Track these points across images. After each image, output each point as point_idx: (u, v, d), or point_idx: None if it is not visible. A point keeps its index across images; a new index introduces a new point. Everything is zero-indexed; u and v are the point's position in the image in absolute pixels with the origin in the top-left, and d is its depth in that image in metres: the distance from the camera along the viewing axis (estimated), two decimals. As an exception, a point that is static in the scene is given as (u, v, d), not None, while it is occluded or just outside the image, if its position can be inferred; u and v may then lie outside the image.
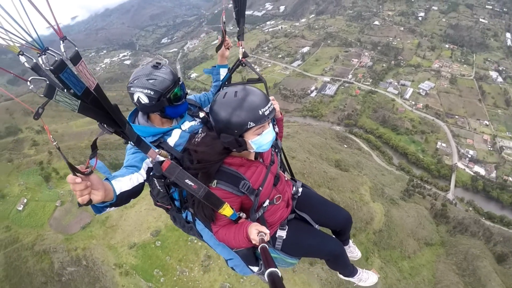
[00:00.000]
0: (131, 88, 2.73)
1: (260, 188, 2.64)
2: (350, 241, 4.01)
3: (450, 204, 69.75)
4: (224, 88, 3.04)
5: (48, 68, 1.35)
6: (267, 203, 2.79)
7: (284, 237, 3.01)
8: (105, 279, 34.44)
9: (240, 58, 3.56)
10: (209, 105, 3.34)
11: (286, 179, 3.32)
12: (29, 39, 1.35)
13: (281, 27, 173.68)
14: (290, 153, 60.55)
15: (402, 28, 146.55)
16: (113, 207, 2.21)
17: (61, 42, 1.39)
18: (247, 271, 3.27)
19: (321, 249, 3.17)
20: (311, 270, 33.47)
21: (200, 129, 2.80)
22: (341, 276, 3.79)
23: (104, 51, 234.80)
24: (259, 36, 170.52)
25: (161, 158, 2.16)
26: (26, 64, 1.42)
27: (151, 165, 2.57)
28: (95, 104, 1.60)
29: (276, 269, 1.58)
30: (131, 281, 32.80)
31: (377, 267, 42.32)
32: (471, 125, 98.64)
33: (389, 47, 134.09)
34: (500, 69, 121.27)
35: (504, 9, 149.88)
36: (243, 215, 2.64)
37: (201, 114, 3.21)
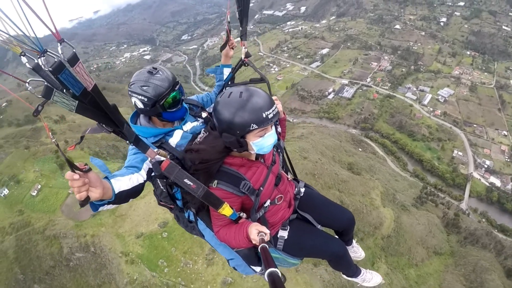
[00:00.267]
0: (129, 92, 2.75)
1: (261, 188, 2.63)
2: (354, 241, 3.98)
3: (463, 214, 68.44)
4: (228, 88, 2.97)
5: (47, 69, 1.38)
6: (268, 203, 2.78)
7: (286, 237, 3.01)
8: (111, 266, 35.30)
9: (243, 58, 3.54)
10: (212, 105, 3.51)
11: (288, 179, 3.31)
12: (28, 41, 1.38)
13: (301, 28, 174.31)
14: (302, 153, 60.43)
15: (423, 33, 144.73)
16: (111, 205, 2.21)
17: (59, 44, 1.42)
18: (249, 271, 3.26)
19: (323, 250, 3.15)
20: (314, 271, 33.34)
21: (203, 129, 2.79)
22: (344, 276, 3.75)
23: (125, 46, 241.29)
24: (279, 36, 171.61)
25: (161, 158, 2.18)
26: (27, 64, 1.38)
27: (151, 166, 2.48)
28: (93, 104, 1.63)
29: (276, 269, 1.58)
30: (136, 269, 33.52)
31: (383, 273, 41.80)
32: (489, 135, 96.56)
33: (409, 52, 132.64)
34: None
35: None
36: (244, 215, 2.64)
37: (204, 114, 3.21)
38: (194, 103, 3.33)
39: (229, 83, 3.70)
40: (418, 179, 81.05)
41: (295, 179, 3.56)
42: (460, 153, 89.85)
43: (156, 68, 2.71)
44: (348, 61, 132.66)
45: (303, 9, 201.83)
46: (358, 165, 69.74)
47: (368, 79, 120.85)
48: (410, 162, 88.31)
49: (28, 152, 61.29)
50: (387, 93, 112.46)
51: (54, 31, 1.37)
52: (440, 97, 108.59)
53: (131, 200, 2.43)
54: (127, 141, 1.97)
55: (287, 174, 3.46)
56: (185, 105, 3.02)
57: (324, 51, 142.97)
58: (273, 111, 2.28)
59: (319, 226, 3.18)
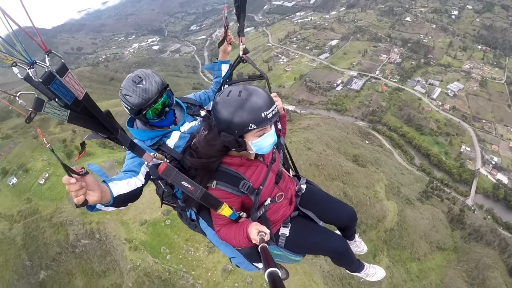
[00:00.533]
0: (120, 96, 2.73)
1: (261, 187, 2.61)
2: (356, 235, 3.97)
3: (468, 210, 68.03)
4: (228, 86, 2.98)
5: (37, 80, 1.39)
6: (268, 201, 2.77)
7: (287, 234, 3.00)
8: (115, 252, 36.10)
9: (241, 55, 3.45)
10: (211, 103, 3.54)
11: (289, 176, 3.30)
12: (16, 53, 1.36)
13: (311, 19, 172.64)
14: (306, 144, 60.36)
15: (434, 26, 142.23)
16: (110, 208, 2.21)
17: (46, 55, 1.41)
18: (252, 268, 3.27)
19: (324, 247, 3.14)
20: (314, 261, 33.58)
21: (202, 128, 2.67)
22: (347, 271, 3.77)
23: (133, 36, 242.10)
24: (288, 26, 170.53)
25: (158, 161, 2.21)
26: (19, 75, 1.39)
27: (149, 170, 2.59)
28: (85, 112, 1.64)
29: (276, 269, 1.56)
30: (139, 256, 34.22)
31: (384, 266, 41.81)
32: (498, 131, 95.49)
33: (419, 45, 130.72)
34: None
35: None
36: (244, 214, 2.62)
37: (202, 113, 3.20)
38: (192, 102, 3.32)
39: (227, 80, 3.65)
40: (424, 174, 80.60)
41: (297, 175, 3.55)
42: (468, 149, 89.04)
43: (140, 77, 2.63)
44: (357, 53, 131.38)
45: (312, 0, 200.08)
46: (363, 157, 69.47)
47: (377, 72, 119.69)
48: (417, 156, 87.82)
49: (37, 142, 62.09)
50: (396, 86, 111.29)
51: (40, 43, 1.36)
52: (449, 91, 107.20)
53: (129, 204, 2.45)
54: (123, 147, 2.00)
55: (289, 171, 3.45)
56: (172, 111, 2.91)
57: (333, 42, 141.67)
58: (272, 111, 2.24)
59: (321, 223, 3.19)
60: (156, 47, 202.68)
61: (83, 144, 1.94)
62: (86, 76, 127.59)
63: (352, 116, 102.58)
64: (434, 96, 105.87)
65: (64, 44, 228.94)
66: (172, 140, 2.83)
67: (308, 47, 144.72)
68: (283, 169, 3.13)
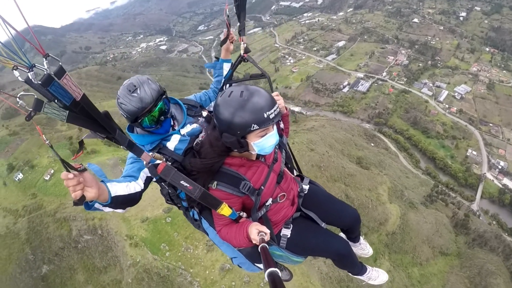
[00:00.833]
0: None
1: (262, 188, 2.61)
2: (361, 237, 3.93)
3: (473, 215, 67.29)
4: (229, 86, 2.99)
5: (37, 83, 1.44)
6: (270, 201, 2.76)
7: (289, 235, 2.98)
8: (116, 249, 36.54)
9: (242, 54, 3.47)
10: (212, 103, 3.53)
11: (292, 176, 3.27)
12: (16, 57, 1.42)
13: (318, 20, 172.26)
14: (309, 145, 60.17)
15: (441, 28, 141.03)
16: (107, 208, 2.22)
17: (44, 59, 1.45)
18: (254, 269, 3.28)
19: (326, 249, 3.11)
20: (313, 263, 33.55)
21: (204, 128, 2.79)
22: (350, 274, 3.70)
23: (141, 36, 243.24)
24: (295, 27, 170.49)
25: (157, 161, 2.21)
26: (20, 78, 1.45)
27: (149, 175, 2.63)
28: (83, 113, 1.69)
29: (276, 269, 1.58)
30: (139, 252, 34.59)
31: (385, 270, 40.11)
32: (505, 135, 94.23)
33: (427, 47, 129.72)
34: None
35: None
36: (244, 214, 2.64)
37: (204, 113, 3.16)
38: (192, 104, 3.28)
39: (229, 79, 3.68)
40: (430, 177, 79.72)
41: (300, 175, 3.51)
42: (474, 153, 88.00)
43: (135, 86, 2.59)
44: (364, 54, 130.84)
45: (320, 0, 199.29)
46: (367, 160, 69.05)
47: (384, 73, 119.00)
48: (423, 160, 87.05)
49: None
50: (402, 88, 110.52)
51: (38, 47, 1.42)
52: (456, 93, 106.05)
53: (128, 208, 2.47)
54: (121, 146, 2.01)
55: (292, 171, 3.42)
56: (169, 119, 2.88)
57: (341, 43, 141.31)
58: (274, 111, 2.23)
59: (323, 225, 3.17)
60: (163, 47, 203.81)
61: (81, 143, 1.97)
62: (94, 75, 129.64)
63: (358, 118, 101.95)
64: (441, 99, 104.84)
65: (73, 43, 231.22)
66: (172, 143, 2.81)
67: (315, 48, 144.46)
68: (286, 169, 3.13)
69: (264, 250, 2.01)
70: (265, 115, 2.16)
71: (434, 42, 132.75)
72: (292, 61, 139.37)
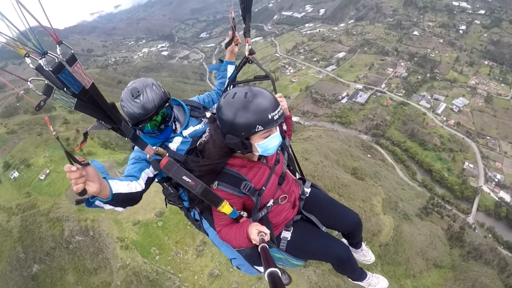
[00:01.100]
0: None
1: (263, 188, 2.61)
2: (363, 244, 3.89)
3: (469, 228, 67.06)
4: (233, 88, 2.92)
5: (48, 69, 1.47)
6: (271, 203, 2.76)
7: (289, 238, 2.97)
8: (107, 250, 36.59)
9: (247, 55, 3.47)
10: (215, 105, 3.51)
11: (294, 178, 3.28)
12: (30, 44, 1.46)
13: (319, 30, 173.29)
14: (304, 154, 60.17)
15: (441, 40, 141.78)
16: (108, 206, 2.21)
17: (58, 46, 1.49)
18: (253, 271, 3.25)
19: (326, 253, 3.08)
20: (302, 272, 33.46)
21: (207, 129, 2.72)
22: (350, 280, 3.66)
23: (143, 41, 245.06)
24: (296, 37, 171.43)
25: (158, 157, 2.25)
26: (31, 65, 1.47)
27: (151, 175, 2.64)
28: (91, 102, 1.73)
29: (276, 269, 1.59)
30: (129, 255, 34.64)
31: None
32: (502, 148, 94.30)
33: (426, 59, 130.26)
34: None
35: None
36: (244, 213, 2.65)
37: (208, 114, 3.17)
38: (195, 105, 3.29)
39: (233, 80, 3.69)
40: (426, 189, 79.54)
41: (302, 178, 3.52)
42: (471, 165, 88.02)
43: (138, 91, 2.60)
44: (363, 65, 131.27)
45: (322, 11, 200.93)
46: (362, 171, 68.91)
47: (383, 85, 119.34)
48: (419, 172, 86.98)
49: (40, 139, 63.51)
50: (401, 100, 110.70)
51: (52, 34, 1.44)
52: (454, 106, 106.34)
53: (128, 208, 2.45)
54: (126, 138, 2.07)
55: (294, 173, 3.43)
56: (170, 127, 2.90)
57: (341, 54, 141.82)
58: (278, 112, 2.24)
59: (323, 228, 3.15)
60: (165, 53, 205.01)
61: (85, 134, 1.99)
62: (95, 78, 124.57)
63: (356, 129, 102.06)
64: (439, 111, 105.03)
65: (75, 45, 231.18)
66: (175, 144, 2.84)
67: (315, 59, 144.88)
68: (287, 171, 3.12)
69: (264, 250, 2.02)
70: (269, 116, 2.18)
71: (433, 55, 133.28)
72: (292, 71, 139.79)
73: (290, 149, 3.24)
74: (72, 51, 1.53)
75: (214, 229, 2.81)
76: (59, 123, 76.95)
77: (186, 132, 2.95)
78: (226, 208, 2.37)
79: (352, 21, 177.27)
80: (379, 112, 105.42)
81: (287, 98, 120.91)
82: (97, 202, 2.09)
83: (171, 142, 2.85)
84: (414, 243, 52.72)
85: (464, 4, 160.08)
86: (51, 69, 1.48)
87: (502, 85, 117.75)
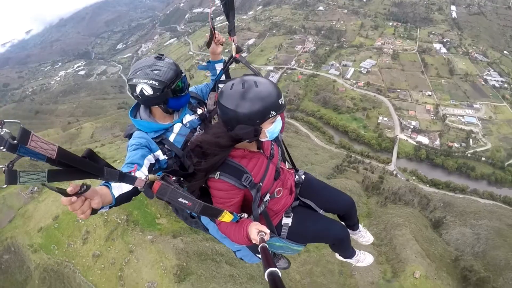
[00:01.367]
0: (134, 80, 2.65)
1: (261, 184, 2.61)
2: (360, 225, 3.95)
3: (390, 176, 69.39)
4: (233, 79, 2.52)
5: (3, 150, 1.27)
6: (267, 197, 2.77)
7: (290, 224, 2.98)
8: (26, 259, 39.04)
9: (234, 55, 3.38)
10: (210, 95, 3.39)
11: (287, 168, 3.28)
12: None
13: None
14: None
15: (345, 11, 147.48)
16: (112, 208, 2.16)
17: (0, 128, 1.31)
18: (256, 259, 3.30)
19: (326, 234, 3.18)
20: (169, 241, 36.22)
21: (198, 127, 2.79)
22: (340, 258, 3.79)
23: (59, 64, 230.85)
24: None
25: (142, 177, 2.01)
26: None
27: (153, 161, 2.63)
28: (64, 164, 1.52)
29: (276, 269, 1.56)
30: (38, 256, 38.18)
31: None
32: (413, 97, 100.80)
33: (332, 31, 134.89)
34: (444, 40, 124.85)
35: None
36: (244, 215, 2.57)
37: (199, 111, 3.12)
38: (193, 95, 3.26)
39: (222, 79, 3.55)
40: (345, 150, 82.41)
41: (294, 168, 3.48)
42: (386, 119, 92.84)
43: (162, 54, 2.74)
44: (273, 48, 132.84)
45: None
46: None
47: (293, 62, 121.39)
48: (337, 135, 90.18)
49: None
50: (311, 73, 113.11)
51: None
52: (362, 68, 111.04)
53: (134, 198, 2.40)
54: (112, 181, 1.88)
55: (285, 164, 3.37)
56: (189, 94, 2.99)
57: (251, 41, 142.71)
58: (282, 97, 2.34)
59: (321, 211, 3.21)
60: (82, 72, 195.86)
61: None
62: (11, 113, 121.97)
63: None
64: (348, 76, 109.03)
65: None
66: (173, 135, 2.85)
67: (226, 50, 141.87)
68: (282, 163, 3.10)
69: (264, 250, 2.01)
70: (280, 101, 2.29)
71: (338, 26, 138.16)
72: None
73: (282, 142, 3.25)
74: (22, 126, 1.33)
75: (214, 222, 2.84)
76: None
77: (185, 120, 2.98)
78: (226, 217, 2.32)
79: (260, 7, 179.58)
80: (291, 88, 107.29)
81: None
82: (101, 210, 2.02)
83: (171, 132, 2.86)
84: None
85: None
86: (4, 149, 1.26)
87: (408, 41, 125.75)
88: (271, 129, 2.39)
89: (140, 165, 2.46)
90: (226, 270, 34.77)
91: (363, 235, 3.98)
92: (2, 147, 1.23)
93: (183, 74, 2.78)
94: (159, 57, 2.67)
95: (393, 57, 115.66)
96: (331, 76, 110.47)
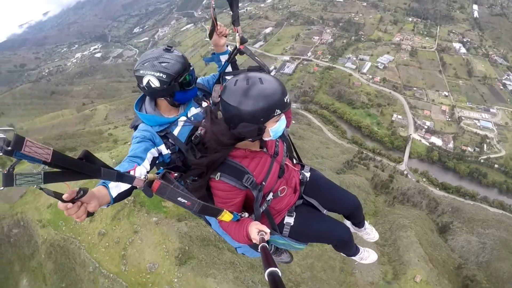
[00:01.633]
0: (141, 71, 2.61)
1: (264, 183, 2.57)
2: (366, 222, 3.88)
3: (400, 175, 68.58)
4: (237, 76, 2.50)
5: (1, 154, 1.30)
6: (270, 196, 2.72)
7: (292, 223, 2.95)
8: (34, 233, 39.81)
9: (238, 46, 3.20)
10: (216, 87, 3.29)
11: (293, 165, 3.16)
12: None
13: (246, 9, 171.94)
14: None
15: (364, 4, 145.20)
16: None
17: None
18: (257, 254, 3.26)
19: (329, 236, 3.15)
20: (173, 224, 36.71)
21: (203, 121, 2.64)
22: (344, 256, 3.77)
23: (76, 46, 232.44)
24: (224, 19, 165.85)
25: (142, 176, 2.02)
26: None
27: (156, 155, 2.63)
28: (60, 166, 1.53)
29: (276, 269, 1.56)
30: (46, 231, 38.87)
31: None
32: (430, 96, 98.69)
33: (350, 23, 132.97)
34: (465, 40, 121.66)
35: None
36: (245, 215, 2.60)
37: (204, 104, 3.08)
38: (200, 87, 3.20)
39: (227, 71, 3.42)
40: (357, 145, 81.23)
41: (300, 163, 3.39)
42: (400, 117, 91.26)
43: (171, 46, 2.70)
44: (290, 37, 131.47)
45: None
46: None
47: (309, 54, 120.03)
48: (349, 130, 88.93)
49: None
50: (327, 65, 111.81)
51: None
52: (379, 64, 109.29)
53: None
54: (109, 181, 1.91)
55: (292, 160, 3.29)
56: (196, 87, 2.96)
57: (268, 30, 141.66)
58: (288, 95, 2.28)
59: (325, 211, 3.19)
60: (98, 55, 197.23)
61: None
62: (28, 93, 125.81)
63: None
64: (364, 71, 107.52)
65: (6, 62, 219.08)
66: (178, 128, 2.82)
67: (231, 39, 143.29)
68: (287, 159, 3.03)
69: (264, 250, 2.02)
70: (285, 100, 2.23)
71: (357, 18, 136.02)
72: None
73: (288, 137, 3.18)
74: (15, 133, 1.32)
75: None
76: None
77: (190, 113, 2.96)
78: (226, 216, 2.32)
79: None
80: (306, 80, 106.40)
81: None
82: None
83: (176, 126, 2.83)
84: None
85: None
86: (1, 153, 1.29)
87: (427, 38, 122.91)
88: (275, 128, 2.33)
89: (142, 159, 2.43)
90: (227, 257, 35.01)
91: (368, 233, 3.96)
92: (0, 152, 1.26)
93: (191, 68, 2.73)
94: (168, 49, 2.62)
95: (411, 54, 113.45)
96: (347, 69, 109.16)
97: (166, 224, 36.10)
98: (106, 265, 33.09)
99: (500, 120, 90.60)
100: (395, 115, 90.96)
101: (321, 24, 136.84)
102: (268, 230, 2.30)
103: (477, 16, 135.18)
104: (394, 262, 42.22)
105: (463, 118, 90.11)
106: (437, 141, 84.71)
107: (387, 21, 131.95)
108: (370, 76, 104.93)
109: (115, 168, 2.00)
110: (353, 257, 3.77)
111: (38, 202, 42.45)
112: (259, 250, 2.55)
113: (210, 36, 3.25)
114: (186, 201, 2.00)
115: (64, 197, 1.58)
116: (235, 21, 3.09)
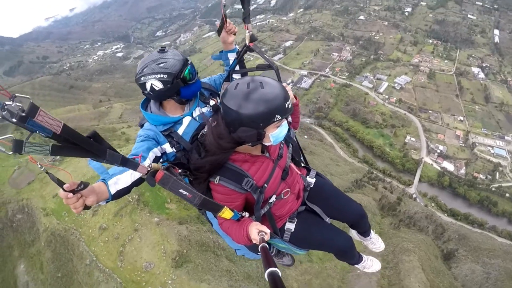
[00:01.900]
0: (142, 78, 2.67)
1: (265, 185, 2.57)
2: (372, 232, 3.88)
3: (409, 199, 68.23)
4: (241, 79, 2.60)
5: (14, 121, 1.36)
6: (273, 198, 2.73)
7: (293, 230, 2.96)
8: (37, 221, 40.71)
9: (247, 43, 3.25)
10: (223, 85, 3.43)
11: (298, 170, 3.22)
12: None
13: (268, 22, 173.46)
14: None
15: (386, 23, 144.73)
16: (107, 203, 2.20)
17: (12, 101, 1.39)
18: (257, 256, 3.33)
19: (330, 244, 3.12)
20: (174, 226, 36.99)
21: (211, 119, 2.60)
22: (348, 264, 3.79)
23: (99, 44, 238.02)
24: (244, 30, 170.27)
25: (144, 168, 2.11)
26: None
27: (158, 154, 2.66)
28: (68, 141, 1.59)
29: (276, 269, 1.56)
30: (48, 219, 39.75)
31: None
32: (444, 120, 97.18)
33: (370, 42, 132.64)
34: (484, 65, 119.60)
35: (495, 6, 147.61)
36: (246, 214, 2.61)
37: (212, 102, 3.07)
38: (206, 87, 3.23)
39: (236, 69, 3.52)
40: (367, 165, 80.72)
41: (307, 167, 3.41)
42: (413, 139, 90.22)
43: (165, 47, 2.73)
44: (310, 52, 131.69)
45: (273, 2, 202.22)
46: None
47: (327, 70, 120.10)
48: (361, 149, 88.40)
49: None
50: (344, 82, 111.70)
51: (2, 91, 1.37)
52: (396, 84, 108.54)
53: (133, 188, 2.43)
54: (114, 164, 1.96)
55: (299, 164, 3.33)
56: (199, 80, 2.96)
57: (288, 43, 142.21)
58: (290, 100, 2.26)
59: (327, 219, 3.16)
60: (120, 54, 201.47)
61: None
62: (47, 85, 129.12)
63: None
64: (381, 90, 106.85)
65: (30, 53, 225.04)
66: (183, 127, 2.84)
67: (263, 49, 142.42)
68: (291, 164, 3.06)
69: (264, 250, 2.01)
70: (286, 105, 2.20)
71: (377, 37, 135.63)
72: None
73: (295, 140, 3.16)
74: (31, 101, 1.42)
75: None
76: (11, 130, 75.73)
77: (195, 113, 2.96)
78: (226, 213, 2.37)
79: (301, 10, 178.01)
80: (322, 96, 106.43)
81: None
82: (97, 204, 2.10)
83: (180, 125, 2.85)
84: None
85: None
86: (15, 120, 1.34)
87: (446, 61, 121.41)
88: (276, 133, 2.32)
89: (144, 158, 2.50)
90: (224, 264, 35.41)
91: (374, 242, 3.92)
92: (13, 118, 1.32)
93: (189, 62, 2.76)
94: (162, 50, 2.69)
95: (429, 76, 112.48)
96: (363, 88, 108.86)
97: (166, 226, 36.49)
98: (103, 260, 33.87)
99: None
100: (408, 137, 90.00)
101: (341, 41, 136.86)
102: (268, 231, 2.33)
103: (498, 41, 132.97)
104: (394, 286, 42.06)
105: (477, 144, 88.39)
106: (449, 166, 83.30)
107: (407, 41, 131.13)
108: (386, 96, 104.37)
109: (112, 174, 2.26)
110: (356, 266, 3.76)
111: (45, 190, 43.28)
112: (259, 251, 2.70)
113: (219, 32, 3.33)
114: (187, 193, 2.07)
115: (65, 186, 1.69)
116: (246, 18, 3.19)
